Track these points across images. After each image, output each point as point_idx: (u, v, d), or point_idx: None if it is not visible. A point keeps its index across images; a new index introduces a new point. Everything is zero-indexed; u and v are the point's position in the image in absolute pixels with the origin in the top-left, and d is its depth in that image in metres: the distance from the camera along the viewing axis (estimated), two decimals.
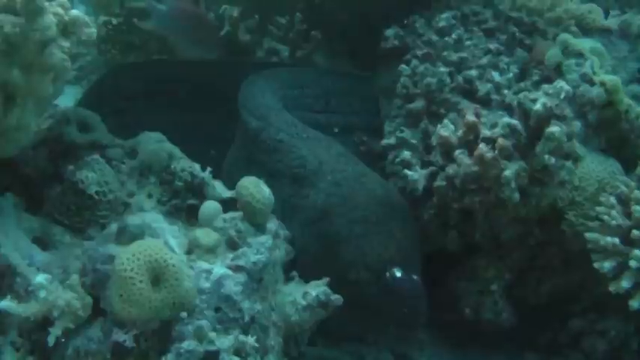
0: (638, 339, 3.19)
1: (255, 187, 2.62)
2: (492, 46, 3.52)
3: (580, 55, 3.32)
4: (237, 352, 2.27)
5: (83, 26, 2.46)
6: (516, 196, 2.96)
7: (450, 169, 3.08)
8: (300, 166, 3.11)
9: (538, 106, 2.96)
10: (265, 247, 2.54)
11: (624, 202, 2.96)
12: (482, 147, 2.97)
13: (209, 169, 2.78)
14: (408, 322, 2.83)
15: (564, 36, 3.40)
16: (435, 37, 3.56)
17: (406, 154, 3.26)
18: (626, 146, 3.24)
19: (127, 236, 2.44)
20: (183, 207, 2.73)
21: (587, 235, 2.94)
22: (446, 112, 3.32)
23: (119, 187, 2.66)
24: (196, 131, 3.57)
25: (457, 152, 3.06)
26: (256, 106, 3.39)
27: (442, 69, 3.40)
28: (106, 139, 2.82)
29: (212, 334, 2.25)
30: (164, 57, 4.37)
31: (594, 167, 3.10)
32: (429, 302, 2.81)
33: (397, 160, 3.28)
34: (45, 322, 2.21)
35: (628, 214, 2.92)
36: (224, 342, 2.25)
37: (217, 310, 2.31)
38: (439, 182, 3.13)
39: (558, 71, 3.32)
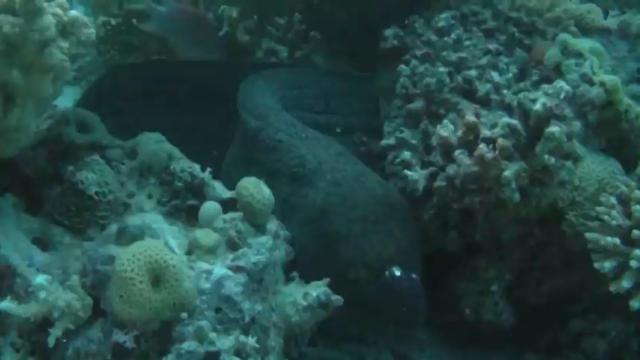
0: (638, 339, 3.19)
1: (256, 188, 2.62)
2: (492, 46, 3.53)
3: (579, 55, 3.32)
4: (237, 353, 2.27)
5: (82, 27, 2.45)
6: (517, 196, 2.96)
7: (450, 170, 3.08)
8: (299, 165, 3.11)
9: (538, 106, 2.96)
10: (265, 247, 2.54)
11: (624, 202, 2.96)
12: (482, 147, 2.97)
13: (209, 169, 2.78)
14: (408, 321, 2.83)
15: (564, 36, 3.40)
16: (434, 37, 3.56)
17: (406, 154, 3.26)
18: (626, 146, 3.24)
19: (127, 237, 2.44)
20: (183, 207, 2.72)
21: (588, 235, 2.94)
22: (445, 112, 3.32)
23: (119, 187, 2.66)
24: (195, 132, 3.57)
25: (457, 152, 3.06)
26: (255, 106, 3.39)
27: (441, 69, 3.40)
28: (106, 139, 2.82)
29: (212, 335, 2.24)
30: (163, 57, 4.37)
31: (594, 167, 3.10)
32: (429, 302, 2.81)
33: (397, 160, 3.28)
34: (45, 323, 2.21)
35: (628, 214, 2.91)
36: (224, 343, 2.25)
37: (218, 310, 2.31)
38: (439, 182, 3.13)
39: (558, 71, 3.33)
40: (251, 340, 2.29)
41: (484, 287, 3.28)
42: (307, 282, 2.71)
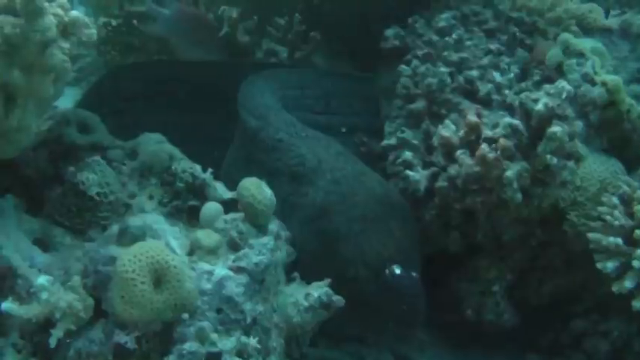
0: None
1: (257, 189, 2.62)
2: (493, 46, 3.51)
3: (581, 54, 3.31)
4: (239, 354, 2.27)
5: (83, 27, 2.44)
6: (518, 196, 2.96)
7: (452, 170, 3.08)
8: (299, 164, 3.11)
9: (540, 106, 2.96)
10: (267, 248, 2.53)
11: (626, 202, 2.96)
12: (484, 147, 2.97)
13: (210, 170, 2.77)
14: (407, 319, 2.82)
15: (565, 36, 3.40)
16: (435, 38, 3.55)
17: (407, 154, 3.25)
18: (628, 146, 3.24)
19: (128, 238, 2.43)
20: (184, 208, 2.72)
21: (590, 235, 2.93)
22: (447, 112, 3.31)
23: (120, 188, 2.65)
24: (196, 132, 3.57)
25: (459, 153, 3.06)
26: (255, 105, 3.39)
27: (443, 69, 3.39)
28: (107, 140, 2.82)
29: (214, 336, 2.24)
30: (163, 58, 4.36)
31: (596, 167, 3.09)
32: (429, 301, 2.80)
33: (398, 160, 3.27)
34: (46, 324, 2.20)
35: (630, 214, 2.91)
36: (226, 343, 2.25)
37: (219, 311, 2.30)
38: (441, 183, 3.13)
39: (559, 71, 3.32)
40: (252, 341, 2.29)
41: (485, 287, 3.28)
42: (308, 281, 2.71)
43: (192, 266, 2.37)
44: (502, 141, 2.97)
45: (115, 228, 2.49)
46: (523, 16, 3.64)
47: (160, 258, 2.22)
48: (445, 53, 3.47)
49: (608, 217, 2.93)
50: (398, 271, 2.76)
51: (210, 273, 2.37)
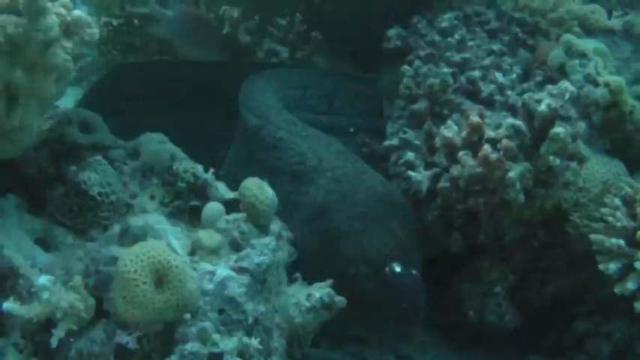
0: None
1: (259, 189, 2.61)
2: (495, 46, 3.52)
3: (584, 55, 3.30)
4: (240, 354, 2.27)
5: (85, 27, 2.44)
6: (521, 197, 2.95)
7: (454, 171, 3.08)
8: (299, 163, 3.11)
9: (543, 107, 2.96)
10: (269, 248, 2.53)
11: (629, 203, 2.95)
12: (486, 148, 2.96)
13: (212, 170, 2.77)
14: (408, 316, 2.82)
15: (568, 36, 3.39)
16: (437, 38, 3.55)
17: (410, 155, 3.25)
18: (630, 147, 3.23)
19: (129, 238, 2.43)
20: (185, 208, 2.72)
21: (592, 236, 2.93)
22: (449, 113, 3.31)
23: (121, 188, 2.65)
24: (197, 132, 3.57)
25: (461, 153, 3.06)
26: (256, 104, 3.40)
27: (445, 70, 3.39)
28: (109, 140, 2.82)
29: (216, 336, 2.24)
30: (164, 57, 4.36)
31: (599, 168, 3.09)
32: (430, 301, 2.80)
33: (400, 161, 3.27)
34: (48, 324, 2.20)
35: (633, 216, 2.91)
36: (228, 344, 2.25)
37: (221, 311, 2.31)
38: (443, 183, 3.12)
39: (562, 72, 3.31)
40: (254, 342, 2.29)
41: (487, 288, 3.27)
42: (309, 280, 2.71)
43: (193, 266, 2.37)
44: (505, 142, 2.96)
45: (116, 228, 2.49)
46: (525, 17, 3.65)
47: (162, 258, 2.22)
48: (447, 54, 3.47)
49: (610, 219, 2.93)
50: (398, 268, 2.76)
51: (212, 273, 2.37)
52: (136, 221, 2.51)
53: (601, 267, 2.87)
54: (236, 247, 2.51)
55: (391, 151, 3.36)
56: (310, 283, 2.70)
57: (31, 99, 2.28)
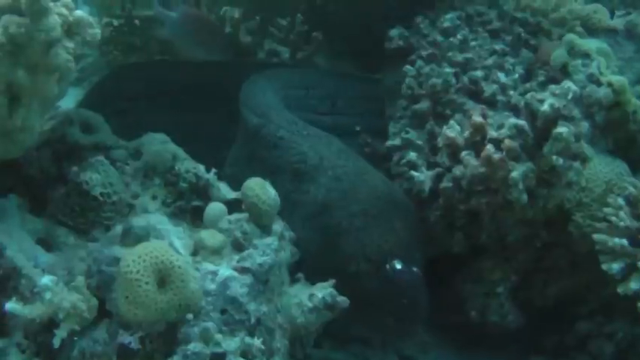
0: None
1: (261, 189, 2.61)
2: (498, 46, 3.51)
3: (586, 55, 3.30)
4: (243, 355, 2.26)
5: (87, 27, 2.44)
6: (524, 197, 2.95)
7: (457, 171, 3.07)
8: (300, 161, 3.12)
9: (545, 107, 2.96)
10: (271, 248, 2.53)
11: (632, 203, 2.94)
12: (489, 148, 2.96)
13: (214, 170, 2.77)
14: (409, 314, 2.83)
15: (570, 36, 3.39)
16: (439, 38, 3.54)
17: (412, 155, 3.25)
18: (633, 147, 3.23)
19: (131, 238, 2.43)
20: (187, 208, 2.72)
21: (595, 236, 2.92)
22: (452, 113, 3.30)
23: (123, 188, 2.65)
24: (198, 132, 3.57)
25: (464, 153, 3.05)
26: (257, 104, 3.40)
27: (447, 70, 3.39)
28: (110, 140, 2.82)
29: (218, 336, 2.24)
30: (166, 58, 4.37)
31: (602, 168, 3.08)
32: (432, 301, 2.81)
33: (403, 161, 3.26)
34: (50, 324, 2.20)
35: (636, 216, 2.90)
36: (230, 344, 2.25)
37: (223, 312, 2.30)
38: (445, 184, 3.12)
39: (564, 72, 3.30)
40: (257, 342, 2.29)
41: (490, 289, 3.27)
42: (310, 278, 2.72)
43: (196, 266, 2.37)
44: (507, 142, 2.96)
45: (118, 228, 2.49)
46: (527, 17, 3.64)
47: (164, 258, 2.21)
48: (450, 54, 3.46)
49: (613, 219, 2.92)
50: (399, 265, 2.77)
51: (215, 273, 2.36)
52: (138, 221, 2.51)
53: (604, 267, 2.86)
54: (238, 247, 2.51)
55: (393, 151, 3.35)
56: (313, 283, 2.70)
57: (33, 99, 2.27)
